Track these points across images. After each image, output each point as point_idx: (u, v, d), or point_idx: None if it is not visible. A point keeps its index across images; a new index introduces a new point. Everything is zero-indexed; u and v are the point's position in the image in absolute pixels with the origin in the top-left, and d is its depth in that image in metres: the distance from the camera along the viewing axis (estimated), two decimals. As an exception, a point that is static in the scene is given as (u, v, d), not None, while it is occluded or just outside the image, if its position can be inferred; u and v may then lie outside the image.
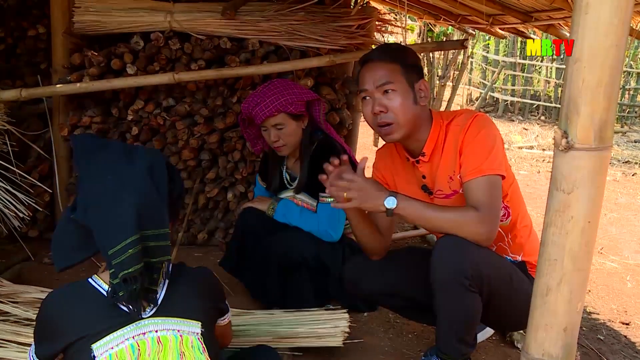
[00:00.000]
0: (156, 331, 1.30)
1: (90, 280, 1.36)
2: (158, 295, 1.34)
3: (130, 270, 1.25)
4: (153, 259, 1.31)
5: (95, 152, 1.38)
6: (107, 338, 1.27)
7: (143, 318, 1.31)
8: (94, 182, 1.33)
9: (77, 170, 1.43)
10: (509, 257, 1.96)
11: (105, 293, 1.31)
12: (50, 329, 1.30)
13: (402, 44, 3.27)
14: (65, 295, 1.34)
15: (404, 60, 1.83)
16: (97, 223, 1.28)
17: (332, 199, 2.39)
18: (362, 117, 2.59)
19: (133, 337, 1.28)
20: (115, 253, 1.25)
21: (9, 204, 2.55)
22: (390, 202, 1.68)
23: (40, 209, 2.93)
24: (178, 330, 1.32)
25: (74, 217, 1.32)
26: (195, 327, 1.35)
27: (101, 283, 1.34)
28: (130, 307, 1.29)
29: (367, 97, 1.83)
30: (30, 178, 2.89)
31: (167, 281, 1.36)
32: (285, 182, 2.59)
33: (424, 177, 1.94)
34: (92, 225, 1.28)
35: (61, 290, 1.37)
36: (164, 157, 1.45)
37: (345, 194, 1.70)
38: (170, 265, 1.36)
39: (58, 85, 2.94)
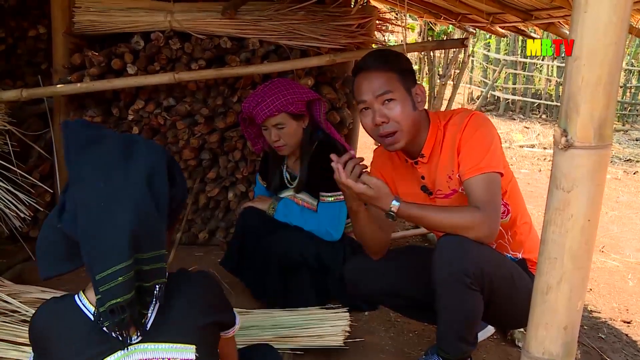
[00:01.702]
0: None
1: (77, 299, 1.23)
2: (147, 320, 1.20)
3: (118, 300, 1.11)
4: (146, 283, 1.17)
5: (88, 146, 1.22)
6: None
7: (131, 344, 1.19)
8: (84, 188, 1.17)
9: (67, 167, 1.22)
10: (509, 255, 1.96)
11: (90, 316, 1.20)
12: (39, 348, 1.23)
13: (402, 43, 3.27)
14: (52, 315, 1.23)
15: (399, 66, 1.82)
16: (86, 240, 1.13)
17: (332, 198, 2.40)
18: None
19: None
20: (104, 279, 1.10)
21: (10, 204, 2.56)
22: (395, 206, 1.69)
23: (41, 209, 2.93)
24: (169, 359, 1.20)
25: (61, 227, 1.17)
26: (189, 352, 1.22)
27: (87, 304, 1.21)
28: (117, 335, 1.16)
29: (367, 108, 1.81)
30: (31, 178, 2.89)
31: (158, 304, 1.21)
32: (286, 181, 2.59)
33: (422, 177, 1.94)
34: (81, 240, 1.14)
35: (49, 308, 1.25)
36: (166, 156, 1.28)
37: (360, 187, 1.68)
38: (164, 287, 1.21)
39: (59, 86, 2.94)
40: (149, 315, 1.20)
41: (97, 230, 1.13)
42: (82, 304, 1.22)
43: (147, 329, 1.20)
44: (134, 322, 1.17)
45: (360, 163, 1.72)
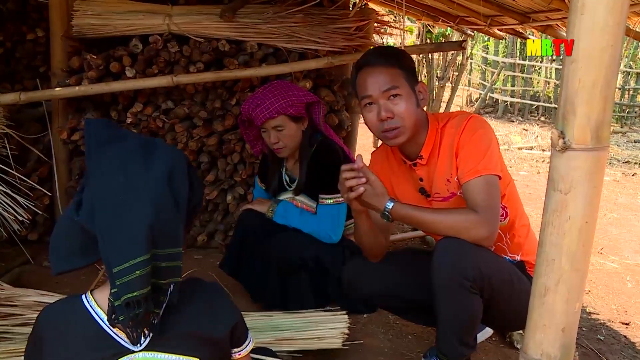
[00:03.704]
0: None
1: (85, 300, 1.21)
2: (156, 320, 1.18)
3: (135, 294, 1.10)
4: (162, 280, 1.15)
5: (109, 143, 1.21)
6: None
7: (134, 352, 1.17)
8: (103, 182, 1.16)
9: (87, 162, 1.21)
10: (507, 257, 1.96)
11: (97, 319, 1.18)
12: (38, 346, 1.20)
13: (401, 45, 3.28)
14: (58, 316, 1.21)
15: (403, 63, 1.82)
16: (104, 233, 1.12)
17: (331, 200, 2.40)
18: (362, 119, 2.60)
19: None
20: (121, 272, 1.09)
21: (9, 208, 2.55)
22: (389, 206, 1.69)
23: (40, 212, 2.93)
24: None
25: (78, 220, 1.16)
26: None
27: (95, 306, 1.20)
28: (130, 332, 1.15)
29: (371, 103, 1.81)
30: (29, 181, 2.89)
31: (165, 304, 1.19)
32: (285, 183, 2.59)
33: (421, 179, 1.94)
34: (98, 233, 1.13)
35: (56, 308, 1.24)
36: (185, 158, 1.27)
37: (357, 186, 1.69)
38: (175, 286, 1.19)
39: (57, 89, 2.94)
40: (159, 315, 1.18)
41: (115, 223, 1.12)
42: (90, 306, 1.20)
43: (155, 330, 1.18)
44: (145, 322, 1.15)
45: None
